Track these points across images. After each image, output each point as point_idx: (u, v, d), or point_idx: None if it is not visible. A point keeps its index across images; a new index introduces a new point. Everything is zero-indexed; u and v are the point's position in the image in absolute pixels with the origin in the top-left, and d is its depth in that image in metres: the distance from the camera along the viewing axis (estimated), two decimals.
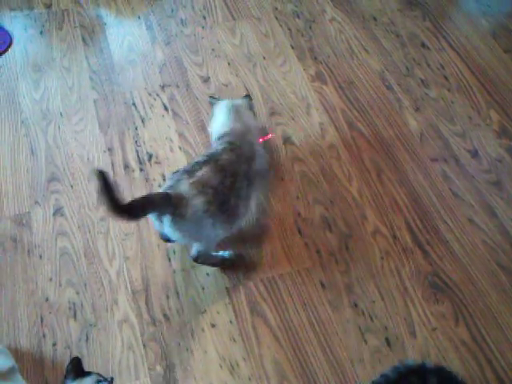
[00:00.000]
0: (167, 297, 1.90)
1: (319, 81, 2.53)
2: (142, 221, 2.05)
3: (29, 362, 1.76)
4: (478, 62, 2.64)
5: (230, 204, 1.75)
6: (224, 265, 1.95)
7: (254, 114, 2.13)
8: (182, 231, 1.73)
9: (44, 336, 1.81)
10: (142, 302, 1.88)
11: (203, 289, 1.92)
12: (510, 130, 2.39)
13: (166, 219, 1.68)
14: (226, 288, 1.92)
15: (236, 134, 1.92)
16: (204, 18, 2.76)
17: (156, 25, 2.72)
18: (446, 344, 1.83)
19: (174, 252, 1.99)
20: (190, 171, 1.73)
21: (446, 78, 2.56)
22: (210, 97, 2.17)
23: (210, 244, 1.86)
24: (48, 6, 2.76)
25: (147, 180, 2.17)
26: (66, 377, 1.48)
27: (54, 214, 2.07)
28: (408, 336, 1.84)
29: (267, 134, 2.28)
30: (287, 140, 2.31)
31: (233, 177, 1.76)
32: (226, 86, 2.49)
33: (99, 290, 1.91)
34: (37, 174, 2.17)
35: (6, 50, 2.57)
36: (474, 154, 2.30)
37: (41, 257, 1.97)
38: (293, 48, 2.65)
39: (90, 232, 2.03)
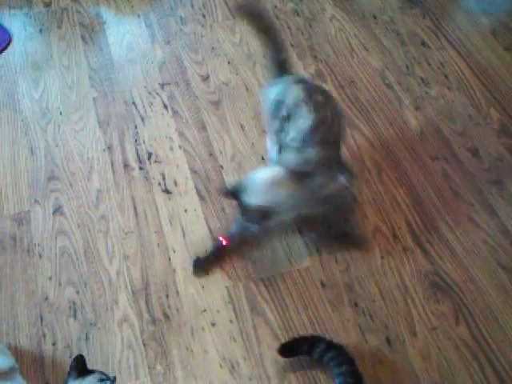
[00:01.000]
0: (167, 296, 1.89)
1: (319, 79, 2.52)
2: (142, 220, 2.05)
3: (29, 361, 1.75)
4: (479, 60, 2.63)
5: None
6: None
7: None
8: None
9: (44, 335, 1.80)
10: (142, 301, 1.88)
11: (203, 287, 1.92)
12: (510, 128, 2.38)
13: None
14: (226, 287, 1.92)
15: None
16: (204, 16, 2.76)
17: (156, 23, 2.71)
18: (446, 343, 1.83)
19: (174, 251, 1.99)
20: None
21: (446, 76, 2.56)
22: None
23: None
24: (47, 5, 2.76)
25: (147, 179, 2.16)
26: (69, 374, 1.48)
27: (54, 213, 2.06)
28: (408, 335, 1.84)
29: None
30: None
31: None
32: (226, 84, 2.48)
33: (99, 289, 1.90)
34: (36, 173, 2.16)
35: (5, 49, 2.56)
36: (475, 152, 2.30)
37: (40, 256, 1.96)
38: (292, 46, 2.64)
39: (89, 231, 2.03)
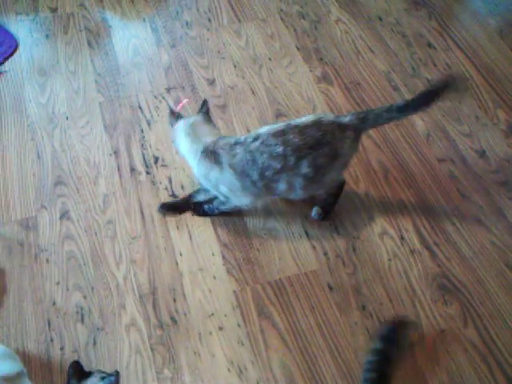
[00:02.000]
0: (174, 300, 1.89)
1: (325, 82, 2.52)
2: (149, 224, 2.05)
3: (37, 366, 1.76)
4: (485, 61, 2.62)
5: None
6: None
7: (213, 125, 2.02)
8: None
9: (52, 340, 1.81)
10: (150, 306, 1.88)
11: (210, 292, 1.92)
12: None
13: None
14: (234, 291, 1.92)
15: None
16: (209, 20, 2.76)
17: (161, 27, 2.72)
18: (454, 346, 1.82)
19: (181, 254, 1.99)
20: None
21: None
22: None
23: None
24: (53, 10, 2.77)
25: (154, 183, 2.17)
26: (68, 381, 1.49)
27: (61, 218, 2.07)
28: (416, 338, 1.83)
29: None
30: None
31: None
32: (232, 88, 2.48)
33: (106, 294, 1.90)
34: (43, 178, 2.17)
35: (11, 55, 2.57)
36: (482, 154, 2.29)
37: (48, 261, 1.97)
38: (298, 49, 2.64)
39: (96, 235, 2.03)
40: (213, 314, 1.87)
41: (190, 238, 2.03)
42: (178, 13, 2.79)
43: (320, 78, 2.53)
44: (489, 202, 2.15)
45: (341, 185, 2.02)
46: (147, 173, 2.20)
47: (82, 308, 1.87)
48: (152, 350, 1.80)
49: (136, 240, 2.02)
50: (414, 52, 2.65)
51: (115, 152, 2.26)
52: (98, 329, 1.83)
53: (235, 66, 2.57)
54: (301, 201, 2.06)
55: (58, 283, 1.92)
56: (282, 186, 1.82)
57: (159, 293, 1.91)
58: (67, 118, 2.35)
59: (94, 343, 1.81)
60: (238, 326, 1.85)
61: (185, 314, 1.87)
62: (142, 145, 2.28)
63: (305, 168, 1.76)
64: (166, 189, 2.15)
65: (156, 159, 2.24)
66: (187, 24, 2.74)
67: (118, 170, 2.20)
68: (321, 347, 1.81)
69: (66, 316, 1.86)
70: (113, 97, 2.43)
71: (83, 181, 2.17)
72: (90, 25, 2.71)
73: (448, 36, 2.72)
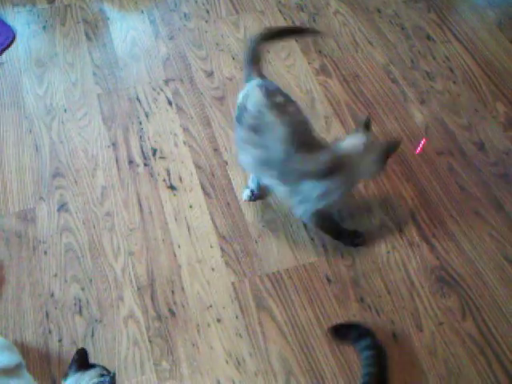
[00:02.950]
0: (172, 292, 1.89)
1: (324, 74, 2.51)
2: (147, 216, 2.05)
3: (35, 357, 1.76)
4: (484, 53, 2.62)
5: None
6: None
7: None
8: None
9: (50, 332, 1.81)
10: (148, 298, 1.88)
11: (209, 284, 1.92)
12: None
13: None
14: (232, 283, 1.92)
15: None
16: (207, 12, 2.75)
17: (159, 19, 2.71)
18: (452, 338, 1.82)
19: (179, 246, 1.99)
20: None
21: (451, 70, 2.54)
22: None
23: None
24: (51, 2, 2.76)
25: (152, 175, 2.16)
26: (69, 367, 1.47)
27: (59, 210, 2.06)
28: (415, 330, 1.83)
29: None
30: None
31: None
32: (230, 79, 2.47)
33: (104, 286, 1.90)
34: (41, 170, 2.16)
35: (9, 46, 2.56)
36: (481, 146, 2.29)
37: (46, 253, 1.97)
38: (297, 41, 2.63)
39: (94, 227, 2.03)
40: (211, 306, 1.87)
41: (189, 230, 2.03)
42: (176, 4, 2.78)
43: (318, 70, 2.52)
44: (487, 194, 2.15)
45: None
46: (145, 165, 2.19)
47: (80, 300, 1.87)
48: (150, 341, 1.80)
49: (134, 232, 2.02)
50: (412, 44, 2.64)
51: (113, 144, 2.25)
52: (96, 321, 1.83)
53: (233, 58, 2.56)
54: None
55: (56, 275, 1.92)
56: None
57: (157, 285, 1.91)
58: (65, 110, 2.34)
59: (92, 335, 1.80)
60: (237, 318, 1.85)
61: (183, 306, 1.86)
62: (141, 137, 2.27)
63: None
64: (164, 181, 2.14)
65: (154, 151, 2.23)
66: (185, 16, 2.73)
67: (116, 161, 2.20)
68: (319, 339, 1.81)
69: (64, 308, 1.85)
70: (111, 89, 2.43)
71: (81, 173, 2.16)
72: (87, 16, 2.70)
73: (447, 28, 2.72)
